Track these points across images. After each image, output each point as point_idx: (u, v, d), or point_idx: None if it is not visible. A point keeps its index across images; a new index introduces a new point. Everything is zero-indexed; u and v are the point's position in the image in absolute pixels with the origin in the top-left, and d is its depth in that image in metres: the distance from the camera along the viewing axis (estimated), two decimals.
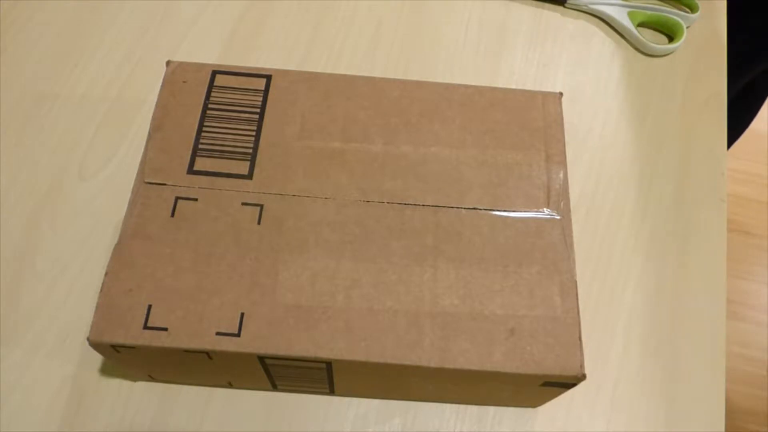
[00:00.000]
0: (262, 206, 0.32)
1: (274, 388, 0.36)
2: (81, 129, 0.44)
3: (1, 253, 0.40)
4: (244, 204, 0.32)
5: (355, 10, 0.51)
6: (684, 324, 0.40)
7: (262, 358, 0.30)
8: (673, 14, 0.51)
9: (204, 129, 0.34)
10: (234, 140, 0.34)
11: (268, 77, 0.36)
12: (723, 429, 0.37)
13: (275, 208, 0.32)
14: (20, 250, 0.40)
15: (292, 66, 0.48)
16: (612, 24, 0.52)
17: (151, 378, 0.36)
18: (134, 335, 0.28)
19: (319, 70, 0.36)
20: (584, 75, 0.49)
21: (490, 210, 0.33)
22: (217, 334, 0.29)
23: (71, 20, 0.49)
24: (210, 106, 0.35)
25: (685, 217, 0.44)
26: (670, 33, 0.52)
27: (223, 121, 0.34)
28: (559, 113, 0.36)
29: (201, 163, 0.33)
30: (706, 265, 0.42)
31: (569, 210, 0.33)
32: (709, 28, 0.52)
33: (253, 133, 0.34)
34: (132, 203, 0.32)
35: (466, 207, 0.33)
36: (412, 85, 0.36)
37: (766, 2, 0.68)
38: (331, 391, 0.35)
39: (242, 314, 0.29)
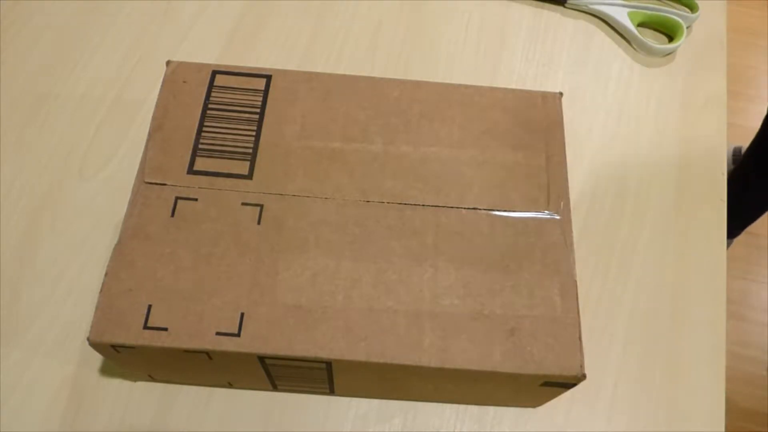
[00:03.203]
0: (262, 206, 0.32)
1: (274, 388, 0.36)
2: (81, 129, 0.44)
3: (1, 253, 0.40)
4: (244, 204, 0.32)
5: (355, 10, 0.51)
6: (684, 324, 0.40)
7: (262, 358, 0.30)
8: (673, 14, 0.51)
9: (204, 129, 0.34)
10: (234, 140, 0.34)
11: (268, 77, 0.36)
12: (723, 429, 0.37)
13: (275, 208, 0.32)
14: (20, 250, 0.40)
15: (292, 66, 0.48)
16: (612, 24, 0.52)
17: (151, 378, 0.36)
18: (134, 335, 0.28)
19: (319, 70, 0.37)
20: (584, 75, 0.49)
21: (490, 210, 0.33)
22: (217, 334, 0.29)
23: (71, 20, 0.49)
24: (210, 106, 0.35)
25: (685, 217, 0.44)
26: (670, 33, 0.52)
27: (223, 121, 0.34)
28: (559, 113, 0.36)
29: (201, 163, 0.33)
30: (706, 265, 0.42)
31: (569, 210, 0.33)
32: (709, 28, 0.52)
33: (253, 133, 0.34)
34: (132, 203, 0.32)
35: (466, 207, 0.33)
36: (412, 85, 0.36)
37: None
38: (331, 391, 0.35)
39: (242, 314, 0.29)
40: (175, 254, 0.30)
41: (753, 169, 0.98)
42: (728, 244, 1.17)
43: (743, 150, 1.28)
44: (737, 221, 1.07)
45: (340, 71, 0.48)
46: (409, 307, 0.30)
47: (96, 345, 0.29)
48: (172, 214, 0.31)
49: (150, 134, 0.34)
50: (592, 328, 0.40)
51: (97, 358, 0.37)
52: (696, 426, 0.37)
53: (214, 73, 0.36)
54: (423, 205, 0.33)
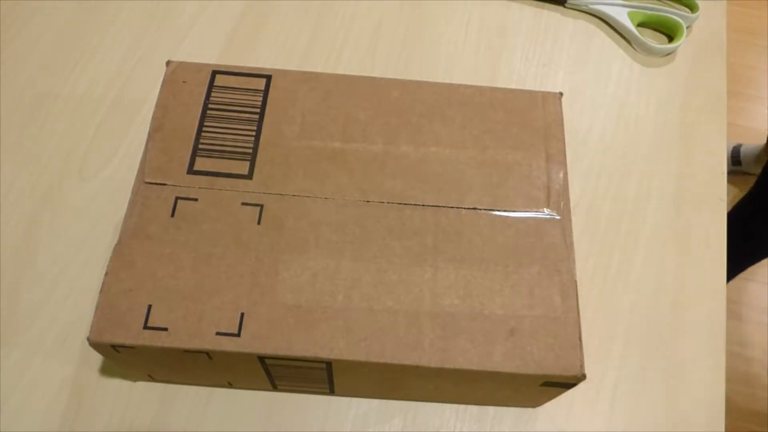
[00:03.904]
0: (262, 206, 0.32)
1: (274, 388, 0.36)
2: (81, 129, 0.44)
3: (1, 253, 0.40)
4: (244, 204, 0.32)
5: (355, 10, 0.51)
6: (684, 324, 0.40)
7: (262, 358, 0.30)
8: (673, 14, 0.51)
9: (204, 129, 0.34)
10: (234, 140, 0.34)
11: (268, 77, 0.36)
12: (723, 429, 0.37)
13: (275, 208, 0.32)
14: (20, 250, 0.40)
15: (292, 66, 0.48)
16: (612, 24, 0.52)
17: (151, 378, 0.36)
18: (134, 335, 0.28)
19: (319, 70, 0.37)
20: (584, 75, 0.49)
21: (490, 210, 0.33)
22: (217, 334, 0.29)
23: (71, 20, 0.49)
24: (210, 106, 0.35)
25: (685, 217, 0.44)
26: (670, 33, 0.52)
27: (223, 121, 0.34)
28: (559, 113, 0.36)
29: (201, 163, 0.33)
30: (706, 265, 0.42)
31: (569, 210, 0.33)
32: (709, 28, 0.52)
33: (253, 133, 0.34)
34: (132, 203, 0.32)
35: (466, 207, 0.33)
36: (412, 85, 0.36)
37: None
38: (331, 391, 0.35)
39: (242, 314, 0.29)
40: (175, 254, 0.30)
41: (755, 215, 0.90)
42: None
43: (742, 148, 1.28)
44: (735, 268, 0.99)
45: (340, 71, 0.48)
46: (409, 307, 0.30)
47: (96, 345, 0.29)
48: (172, 214, 0.31)
49: (150, 134, 0.34)
50: (592, 328, 0.40)
51: (97, 358, 0.37)
52: (696, 426, 0.37)
53: (214, 73, 0.36)
54: (423, 205, 0.33)
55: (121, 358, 0.31)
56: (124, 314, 0.29)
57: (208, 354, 0.29)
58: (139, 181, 0.32)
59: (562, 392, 0.32)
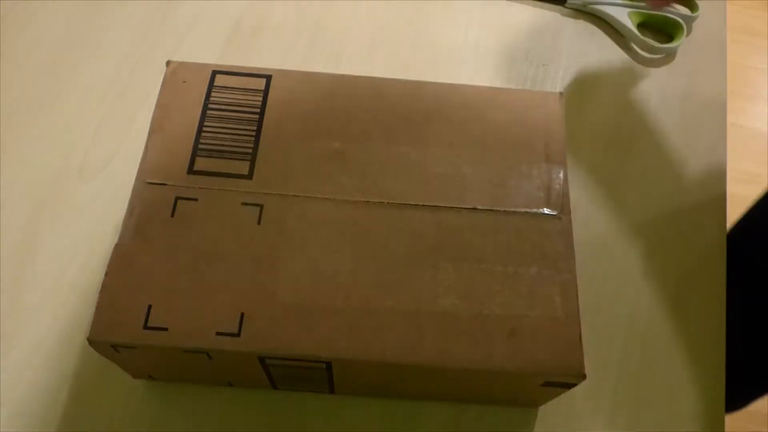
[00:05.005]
0: (262, 206, 0.32)
1: (274, 388, 0.36)
2: (81, 129, 0.44)
3: (1, 253, 0.40)
4: (244, 204, 0.32)
5: (355, 10, 0.51)
6: (684, 324, 0.40)
7: (262, 358, 0.30)
8: (673, 14, 0.51)
9: (204, 129, 0.34)
10: (234, 140, 0.34)
11: (268, 77, 0.36)
12: (723, 429, 0.37)
13: (275, 208, 0.32)
14: (20, 250, 0.40)
15: (292, 66, 0.48)
16: (612, 24, 0.52)
17: (151, 378, 0.36)
18: (134, 335, 0.28)
19: (319, 70, 0.36)
20: (584, 75, 0.49)
21: (490, 210, 0.33)
22: (217, 334, 0.29)
23: (71, 20, 0.49)
24: (210, 106, 0.35)
25: (685, 217, 0.44)
26: (670, 33, 0.52)
27: (223, 121, 0.34)
28: (559, 113, 0.36)
29: (201, 163, 0.33)
30: (706, 266, 0.42)
31: (569, 210, 0.33)
32: (709, 28, 0.52)
33: (253, 133, 0.34)
34: (132, 203, 0.32)
35: (466, 207, 0.33)
36: (412, 85, 0.36)
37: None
38: (331, 391, 0.35)
39: (242, 314, 0.29)
40: (175, 254, 0.30)
41: None
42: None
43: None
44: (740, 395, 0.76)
45: (340, 71, 0.48)
46: (409, 307, 0.30)
47: (96, 345, 0.29)
48: (172, 214, 0.31)
49: (150, 134, 0.34)
50: (592, 328, 0.40)
51: (97, 358, 0.37)
52: (696, 426, 0.37)
53: (214, 73, 0.36)
54: (423, 205, 0.33)
55: (121, 358, 0.31)
56: (124, 314, 0.29)
57: (208, 354, 0.29)
58: (139, 181, 0.32)
59: (563, 392, 0.32)
